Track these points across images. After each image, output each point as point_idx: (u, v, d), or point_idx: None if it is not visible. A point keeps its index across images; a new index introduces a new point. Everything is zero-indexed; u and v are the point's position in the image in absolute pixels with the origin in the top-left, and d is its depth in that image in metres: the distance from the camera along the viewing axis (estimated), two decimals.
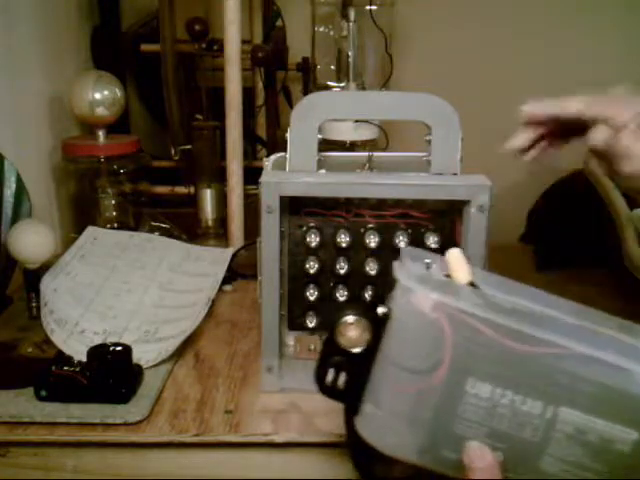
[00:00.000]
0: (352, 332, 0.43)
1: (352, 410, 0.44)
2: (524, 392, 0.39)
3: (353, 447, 0.51)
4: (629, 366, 0.38)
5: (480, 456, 0.40)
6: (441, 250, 0.63)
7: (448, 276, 0.43)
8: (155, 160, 1.15)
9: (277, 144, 1.17)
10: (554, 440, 0.40)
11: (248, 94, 1.14)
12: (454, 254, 0.44)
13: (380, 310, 0.42)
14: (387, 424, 0.42)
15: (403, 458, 0.42)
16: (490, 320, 0.39)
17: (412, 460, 0.42)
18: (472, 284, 0.43)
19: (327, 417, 0.62)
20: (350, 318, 0.43)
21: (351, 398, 0.44)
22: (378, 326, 0.42)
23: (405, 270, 0.42)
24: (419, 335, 0.40)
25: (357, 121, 0.94)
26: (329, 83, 1.12)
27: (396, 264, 0.43)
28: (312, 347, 0.68)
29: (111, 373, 0.63)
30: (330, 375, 0.45)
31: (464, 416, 0.40)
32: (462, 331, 0.39)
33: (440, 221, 0.64)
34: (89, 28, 1.21)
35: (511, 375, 0.40)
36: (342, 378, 0.44)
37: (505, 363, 0.39)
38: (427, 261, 0.44)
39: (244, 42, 1.00)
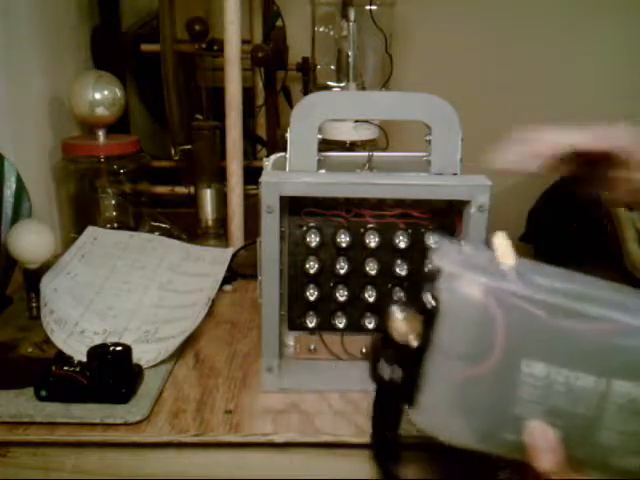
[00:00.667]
0: (404, 325, 0.43)
1: (409, 403, 0.43)
2: (578, 368, 0.40)
3: (378, 448, 0.51)
4: None
5: (542, 435, 0.40)
6: None
7: (492, 262, 0.42)
8: (155, 160, 1.15)
9: (277, 144, 1.17)
10: (609, 412, 0.40)
11: (248, 94, 1.14)
12: (501, 240, 0.43)
13: (428, 300, 0.41)
14: (445, 413, 0.42)
15: (464, 445, 0.42)
16: (541, 300, 0.39)
17: (473, 446, 0.42)
18: (518, 267, 0.42)
19: (327, 417, 0.62)
20: (401, 312, 0.43)
21: (408, 391, 0.43)
22: (428, 317, 0.41)
23: (448, 258, 0.41)
24: (470, 321, 0.40)
25: (357, 121, 0.94)
26: (329, 83, 1.12)
27: (435, 254, 0.42)
28: (312, 347, 0.68)
29: (111, 373, 0.63)
30: (386, 370, 0.45)
31: (521, 397, 0.40)
32: (513, 313, 0.39)
33: (440, 221, 0.64)
34: (89, 28, 1.21)
35: (565, 353, 0.40)
36: (397, 372, 0.44)
37: (558, 342, 0.40)
38: (467, 250, 0.43)
39: (244, 42, 1.00)
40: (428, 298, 0.41)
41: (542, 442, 0.40)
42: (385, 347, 0.44)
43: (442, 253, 0.43)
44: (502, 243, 0.43)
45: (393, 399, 0.46)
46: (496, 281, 0.40)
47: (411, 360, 0.43)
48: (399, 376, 0.44)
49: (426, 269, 0.43)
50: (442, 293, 0.41)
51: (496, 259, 0.42)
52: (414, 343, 0.42)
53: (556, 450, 0.40)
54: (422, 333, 0.42)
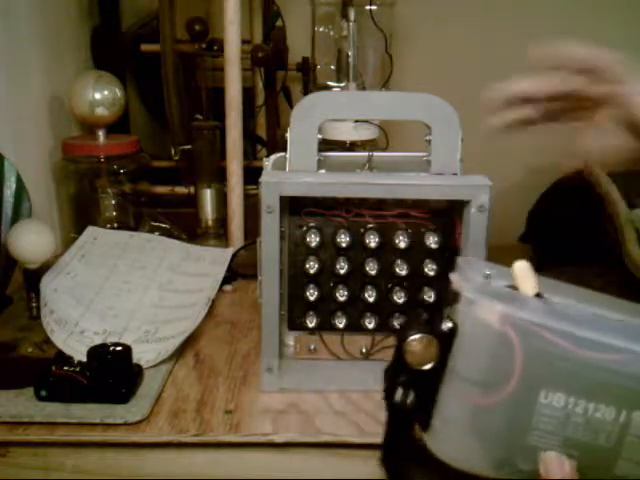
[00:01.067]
0: (419, 349, 0.42)
1: (423, 427, 0.43)
2: (597, 399, 0.39)
3: (389, 462, 0.51)
4: None
5: (558, 466, 0.40)
6: (441, 250, 0.64)
7: (513, 287, 0.42)
8: (155, 160, 1.15)
9: (277, 144, 1.17)
10: (628, 444, 0.39)
11: (248, 94, 1.14)
12: (520, 266, 0.42)
13: (445, 325, 0.41)
14: (459, 439, 0.42)
15: (477, 472, 0.42)
16: (559, 330, 0.39)
17: (487, 474, 0.41)
18: (538, 295, 0.42)
19: (327, 417, 0.62)
20: (416, 336, 0.42)
21: (421, 415, 0.43)
22: (445, 341, 0.41)
23: (467, 282, 0.41)
24: (487, 348, 0.40)
25: (357, 121, 0.94)
26: (329, 83, 1.12)
27: (455, 276, 0.42)
28: (312, 347, 0.68)
29: (111, 373, 0.63)
30: (399, 394, 0.44)
31: (538, 427, 0.40)
32: (531, 342, 0.39)
33: (440, 221, 0.64)
34: (89, 28, 1.21)
35: (584, 383, 0.39)
36: (411, 396, 0.43)
37: (578, 372, 0.39)
38: (487, 272, 0.43)
39: (244, 42, 1.00)
40: (446, 322, 0.41)
41: (558, 473, 0.40)
42: (399, 371, 0.43)
43: (462, 275, 0.42)
44: (522, 271, 0.42)
45: (406, 425, 0.45)
46: (515, 309, 0.39)
47: (426, 385, 0.42)
48: (413, 400, 0.43)
49: (447, 291, 0.43)
50: (460, 318, 0.41)
51: (516, 285, 0.42)
52: (429, 367, 0.42)
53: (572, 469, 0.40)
54: (438, 358, 0.42)
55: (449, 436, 0.42)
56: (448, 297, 0.42)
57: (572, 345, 0.39)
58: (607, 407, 0.39)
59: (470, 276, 0.42)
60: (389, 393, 0.44)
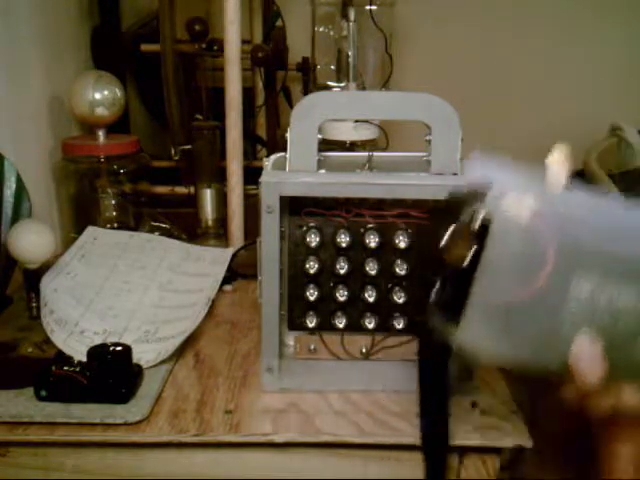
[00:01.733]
0: (455, 247, 0.43)
1: (455, 322, 0.43)
2: (623, 287, 0.41)
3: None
4: None
5: (588, 348, 0.42)
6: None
7: (543, 181, 0.43)
8: (155, 160, 1.15)
9: (277, 144, 1.17)
10: None
11: (248, 94, 1.14)
12: (558, 152, 0.44)
13: (479, 222, 0.42)
14: (490, 333, 0.43)
15: (505, 365, 0.45)
16: (587, 220, 0.41)
17: (514, 366, 0.44)
18: (566, 187, 0.43)
19: (327, 417, 0.62)
20: (452, 234, 0.44)
21: (456, 312, 0.43)
22: (478, 238, 0.42)
23: (496, 176, 0.42)
24: (519, 242, 0.41)
25: (357, 121, 0.94)
26: (329, 83, 1.12)
27: (472, 175, 0.43)
28: (312, 347, 0.68)
29: (111, 373, 0.63)
30: (436, 291, 0.44)
31: (567, 316, 0.41)
32: (561, 233, 0.40)
33: (440, 221, 0.64)
34: (89, 28, 1.22)
35: (610, 271, 0.41)
36: (447, 293, 0.44)
37: (604, 261, 0.41)
38: (509, 169, 0.43)
39: (244, 42, 1.00)
40: (479, 218, 0.42)
41: (588, 355, 0.41)
42: (436, 268, 0.44)
43: (493, 172, 0.43)
44: (557, 159, 0.43)
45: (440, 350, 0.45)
46: (546, 202, 0.41)
47: (460, 280, 0.43)
48: (448, 297, 0.44)
49: (476, 188, 0.43)
50: (492, 214, 0.41)
51: (547, 179, 0.42)
52: (464, 263, 0.42)
53: (600, 363, 0.42)
54: (472, 253, 0.42)
55: (480, 329, 0.43)
56: (479, 195, 0.42)
57: (597, 234, 0.41)
58: (630, 295, 0.41)
59: (501, 173, 0.43)
60: (427, 291, 0.44)
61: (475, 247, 0.42)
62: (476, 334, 0.43)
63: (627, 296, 0.41)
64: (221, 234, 1.07)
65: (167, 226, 1.05)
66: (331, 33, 1.15)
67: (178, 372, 0.70)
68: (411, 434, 0.60)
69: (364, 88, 1.08)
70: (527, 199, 0.40)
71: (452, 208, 0.44)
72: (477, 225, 0.42)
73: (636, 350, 0.42)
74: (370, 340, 0.67)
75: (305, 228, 0.64)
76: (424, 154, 0.65)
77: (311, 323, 0.66)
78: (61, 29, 1.11)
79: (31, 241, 0.78)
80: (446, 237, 0.44)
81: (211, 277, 0.88)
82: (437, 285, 0.44)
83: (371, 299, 0.65)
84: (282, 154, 0.67)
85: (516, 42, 1.52)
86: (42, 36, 1.03)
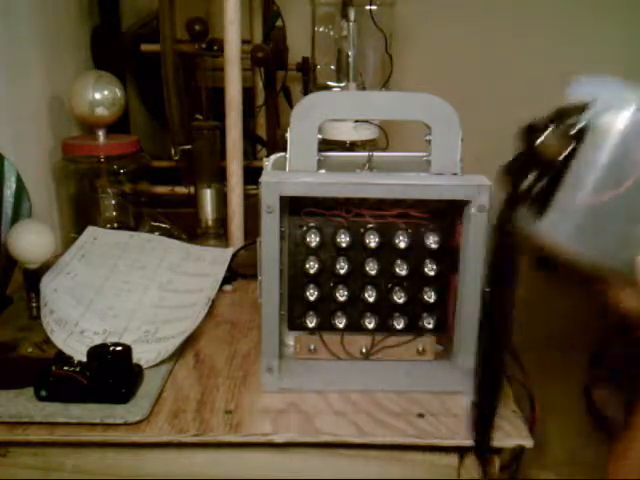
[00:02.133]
0: (552, 142, 0.47)
1: (539, 215, 0.48)
2: None
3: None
4: None
5: None
6: (441, 250, 0.64)
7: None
8: (155, 160, 1.15)
9: (277, 144, 1.17)
10: None
11: (248, 94, 1.14)
12: None
13: (578, 125, 0.47)
14: (570, 230, 0.48)
15: (579, 259, 0.48)
16: None
17: (588, 262, 0.49)
18: None
19: (327, 417, 0.62)
20: (551, 130, 0.48)
21: (545, 203, 0.48)
22: (578, 136, 0.47)
23: (600, 90, 0.47)
24: (612, 149, 0.46)
25: (357, 121, 0.94)
26: (329, 83, 1.12)
27: (576, 92, 0.49)
28: (312, 347, 0.68)
29: (111, 373, 0.63)
30: (527, 181, 0.48)
31: None
32: None
33: (440, 221, 0.64)
34: (89, 28, 1.22)
35: None
36: (538, 185, 0.48)
37: None
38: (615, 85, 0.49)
39: (244, 42, 1.00)
40: (579, 124, 0.47)
41: None
42: (530, 159, 0.48)
43: (598, 89, 0.48)
44: None
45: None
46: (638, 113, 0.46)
47: (554, 174, 0.47)
48: (541, 188, 0.48)
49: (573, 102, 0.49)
50: (591, 122, 0.46)
51: None
52: (559, 157, 0.47)
53: None
54: (568, 150, 0.47)
55: (562, 225, 0.48)
56: (574, 108, 0.48)
57: None
58: None
59: (603, 89, 0.48)
60: (517, 179, 0.48)
61: (572, 146, 0.47)
62: (558, 227, 0.48)
63: None
64: (221, 234, 1.07)
65: (167, 226, 1.05)
66: (331, 33, 1.15)
67: (178, 372, 0.70)
68: (411, 434, 0.60)
69: (364, 88, 1.08)
70: (626, 113, 0.45)
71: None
72: (577, 129, 0.47)
73: None
74: (370, 340, 0.67)
75: (305, 228, 0.64)
76: (424, 154, 0.65)
77: (311, 323, 0.66)
78: (61, 29, 1.11)
79: (31, 241, 0.78)
80: (545, 135, 0.48)
81: (211, 277, 0.88)
82: (530, 177, 0.48)
83: (371, 299, 0.65)
84: (282, 154, 0.67)
85: (516, 42, 1.52)
86: (42, 36, 1.03)
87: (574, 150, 0.47)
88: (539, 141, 0.48)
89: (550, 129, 0.48)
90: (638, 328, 0.52)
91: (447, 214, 0.64)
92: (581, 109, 0.48)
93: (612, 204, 0.46)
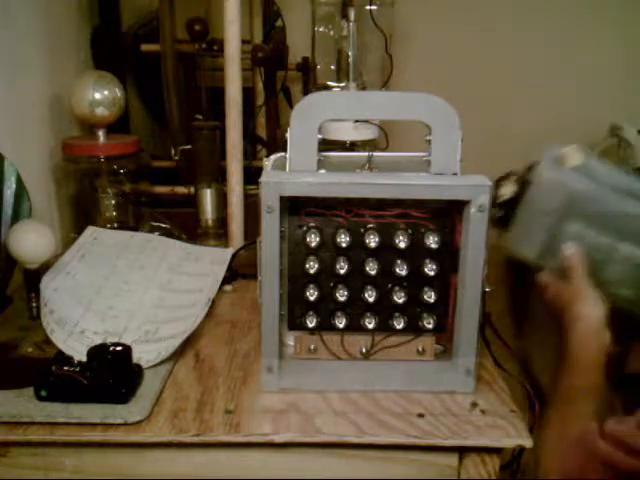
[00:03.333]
0: (506, 186, 0.72)
1: (505, 229, 0.72)
2: (602, 231, 0.68)
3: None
4: None
5: (574, 252, 0.68)
6: (441, 250, 0.64)
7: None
8: (155, 160, 1.15)
9: (277, 144, 1.17)
10: (615, 261, 0.69)
11: (248, 94, 1.14)
12: (570, 150, 0.70)
13: (528, 178, 0.70)
14: (526, 240, 0.71)
15: (527, 257, 0.71)
16: (584, 186, 0.68)
17: (533, 259, 0.71)
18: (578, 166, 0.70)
19: (327, 417, 0.62)
20: (506, 179, 0.73)
21: (506, 225, 0.72)
22: (524, 185, 0.70)
23: (553, 154, 0.70)
24: (546, 194, 0.69)
25: (357, 121, 0.94)
26: (329, 83, 1.12)
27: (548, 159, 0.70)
28: (312, 347, 0.68)
29: (111, 373, 0.63)
30: (496, 211, 0.71)
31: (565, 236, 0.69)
32: (571, 192, 0.68)
33: (440, 221, 0.64)
34: (89, 28, 1.21)
35: (597, 220, 0.68)
36: (501, 212, 0.72)
37: (591, 212, 0.68)
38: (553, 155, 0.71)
39: (244, 42, 1.00)
40: (529, 176, 0.70)
41: (573, 256, 0.68)
42: (494, 200, 0.70)
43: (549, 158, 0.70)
44: (571, 152, 0.70)
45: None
46: (563, 173, 0.69)
47: (509, 206, 0.71)
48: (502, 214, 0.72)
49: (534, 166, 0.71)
50: (532, 174, 0.70)
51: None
52: (505, 197, 0.72)
53: (579, 264, 0.67)
54: (513, 192, 0.72)
55: (521, 238, 0.71)
56: (531, 166, 0.71)
57: (588, 196, 0.68)
58: (605, 237, 0.68)
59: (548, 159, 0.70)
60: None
61: (515, 189, 0.72)
62: (517, 239, 0.71)
63: (601, 238, 0.68)
64: (221, 234, 1.07)
65: (167, 226, 1.05)
66: (331, 33, 1.15)
67: (178, 372, 0.70)
68: (411, 434, 0.60)
69: (364, 88, 1.08)
70: (552, 171, 0.69)
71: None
72: (522, 181, 0.71)
73: (605, 271, 0.69)
74: (370, 340, 0.67)
75: (305, 228, 0.64)
76: (424, 154, 0.65)
77: (311, 323, 0.66)
78: (61, 29, 1.11)
79: (31, 241, 0.78)
80: (506, 182, 0.73)
81: (211, 277, 0.88)
82: (496, 208, 0.71)
83: (371, 299, 0.65)
84: (282, 154, 0.67)
85: (516, 42, 1.52)
86: (42, 36, 1.03)
87: (518, 192, 0.71)
88: (501, 188, 0.73)
89: (512, 178, 0.73)
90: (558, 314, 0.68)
91: (447, 214, 0.64)
92: (531, 167, 0.71)
93: (546, 224, 0.69)
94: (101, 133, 1.02)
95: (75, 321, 0.74)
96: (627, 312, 0.69)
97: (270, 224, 0.61)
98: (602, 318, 0.66)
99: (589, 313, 0.66)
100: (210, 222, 1.08)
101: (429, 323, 0.66)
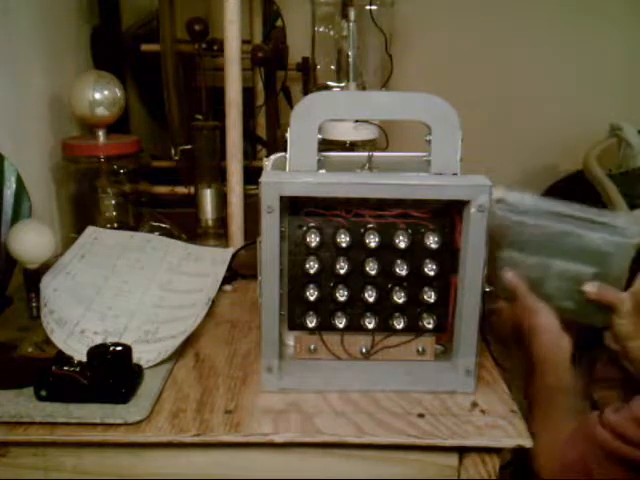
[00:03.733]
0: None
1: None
2: (534, 253, 0.74)
3: None
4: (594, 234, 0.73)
5: (513, 276, 0.75)
6: (441, 250, 0.64)
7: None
8: (155, 160, 1.15)
9: (277, 144, 1.17)
10: (551, 277, 0.75)
11: (248, 94, 1.14)
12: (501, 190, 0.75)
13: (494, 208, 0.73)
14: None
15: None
16: (515, 217, 0.74)
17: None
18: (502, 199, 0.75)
19: (327, 417, 0.62)
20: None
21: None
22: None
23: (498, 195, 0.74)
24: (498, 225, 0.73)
25: (357, 121, 0.94)
26: (329, 83, 1.12)
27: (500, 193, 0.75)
28: (312, 347, 0.68)
29: (111, 373, 0.63)
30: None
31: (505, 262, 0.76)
32: (498, 219, 0.73)
33: (440, 221, 0.64)
34: (89, 28, 1.21)
35: (529, 245, 0.74)
36: None
37: (515, 239, 0.74)
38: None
39: (244, 42, 1.00)
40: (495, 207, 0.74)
41: (513, 278, 0.74)
42: None
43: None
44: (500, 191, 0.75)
45: None
46: (504, 208, 0.74)
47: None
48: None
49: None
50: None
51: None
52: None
53: (520, 284, 0.74)
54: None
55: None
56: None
57: (508, 224, 0.74)
58: (537, 257, 0.75)
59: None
60: None
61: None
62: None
63: (535, 259, 0.74)
64: (221, 234, 1.07)
65: (167, 226, 1.05)
66: (331, 33, 1.15)
67: (178, 372, 0.70)
68: (411, 434, 0.60)
69: (364, 88, 1.08)
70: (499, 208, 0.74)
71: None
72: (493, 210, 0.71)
73: (545, 287, 0.75)
74: (370, 340, 0.67)
75: (305, 228, 0.64)
76: (424, 154, 0.65)
77: (311, 323, 0.66)
78: (61, 29, 1.11)
79: (31, 241, 0.78)
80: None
81: (211, 277, 0.88)
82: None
83: (371, 299, 0.65)
84: (282, 154, 0.67)
85: (516, 42, 1.52)
86: (42, 36, 1.03)
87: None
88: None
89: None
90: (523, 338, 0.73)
91: (447, 214, 0.64)
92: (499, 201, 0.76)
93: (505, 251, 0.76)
94: (101, 133, 1.02)
95: (75, 321, 0.74)
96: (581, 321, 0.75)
97: (270, 224, 0.61)
98: (557, 324, 0.71)
99: (544, 323, 0.71)
100: (210, 222, 1.08)
101: (429, 323, 0.66)
